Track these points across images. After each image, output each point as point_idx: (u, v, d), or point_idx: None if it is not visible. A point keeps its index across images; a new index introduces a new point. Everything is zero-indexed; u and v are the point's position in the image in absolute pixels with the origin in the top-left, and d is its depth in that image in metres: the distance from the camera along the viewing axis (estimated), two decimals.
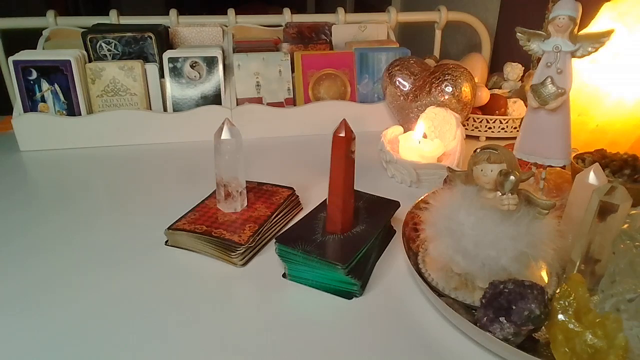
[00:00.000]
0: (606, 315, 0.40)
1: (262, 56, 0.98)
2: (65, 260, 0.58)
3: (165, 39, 1.02)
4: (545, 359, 0.41)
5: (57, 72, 0.89)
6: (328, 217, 0.56)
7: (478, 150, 0.47)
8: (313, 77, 1.01)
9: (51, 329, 0.46)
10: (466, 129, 0.95)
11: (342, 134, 0.52)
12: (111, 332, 0.46)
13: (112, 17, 1.06)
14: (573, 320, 0.41)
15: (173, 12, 1.08)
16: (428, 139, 0.81)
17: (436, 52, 1.26)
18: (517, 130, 0.85)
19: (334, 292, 0.52)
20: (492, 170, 0.45)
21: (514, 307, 0.41)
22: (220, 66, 0.96)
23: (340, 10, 1.13)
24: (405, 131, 0.84)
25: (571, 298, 0.42)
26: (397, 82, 0.93)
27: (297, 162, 0.87)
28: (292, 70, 1.00)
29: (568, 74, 0.58)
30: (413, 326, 0.47)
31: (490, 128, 0.95)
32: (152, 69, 0.95)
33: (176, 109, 0.96)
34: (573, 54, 0.57)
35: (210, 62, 0.95)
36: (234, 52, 1.01)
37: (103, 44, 0.94)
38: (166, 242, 0.61)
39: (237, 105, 0.98)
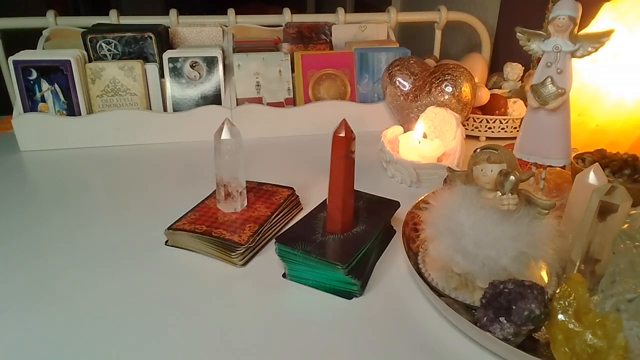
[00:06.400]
0: (606, 315, 0.40)
1: (262, 56, 0.98)
2: (65, 260, 0.58)
3: (165, 39, 1.02)
4: (545, 359, 0.41)
5: (57, 72, 0.89)
6: (328, 217, 0.56)
7: (478, 150, 0.47)
8: (313, 77, 1.01)
9: (51, 329, 0.46)
10: (466, 129, 0.95)
11: (342, 134, 0.52)
12: (111, 332, 0.46)
13: (112, 17, 1.06)
14: (573, 320, 0.41)
15: (173, 12, 1.08)
16: (428, 139, 0.81)
17: (436, 52, 1.26)
18: (517, 130, 0.85)
19: (334, 292, 0.52)
20: (492, 170, 0.45)
21: (514, 307, 0.41)
22: (220, 66, 0.96)
23: (340, 10, 1.13)
24: (405, 131, 0.84)
25: (571, 298, 0.42)
26: (397, 82, 0.93)
27: (297, 162, 0.87)
28: (292, 70, 1.00)
29: (568, 74, 0.58)
30: (413, 326, 0.47)
31: (490, 128, 0.95)
32: (152, 69, 0.95)
33: (176, 109, 0.96)
34: (573, 54, 0.57)
35: (210, 62, 0.95)
36: (234, 52, 1.01)
37: (103, 44, 0.94)
38: (166, 242, 0.61)
39: (237, 105, 0.98)
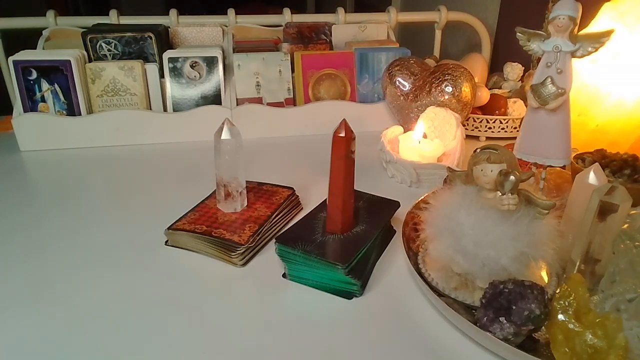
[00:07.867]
0: (606, 315, 0.40)
1: (262, 56, 0.98)
2: (65, 260, 0.58)
3: (165, 39, 1.02)
4: (545, 359, 0.41)
5: (57, 72, 0.89)
6: (328, 217, 0.56)
7: (478, 150, 0.47)
8: (313, 77, 1.01)
9: (51, 329, 0.46)
10: (466, 129, 0.95)
11: (342, 134, 0.52)
12: (111, 332, 0.46)
13: (112, 17, 1.06)
14: (573, 320, 0.41)
15: (173, 12, 1.08)
16: (428, 139, 0.81)
17: (436, 52, 1.26)
18: (517, 130, 0.84)
19: (334, 292, 0.52)
20: (492, 170, 0.45)
21: (514, 307, 0.41)
22: (220, 66, 0.96)
23: (340, 10, 1.13)
24: (405, 131, 0.84)
25: (571, 298, 0.42)
26: (397, 82, 0.93)
27: (297, 162, 0.87)
28: (292, 70, 1.00)
29: (568, 74, 0.57)
30: (413, 326, 0.47)
31: (490, 128, 0.95)
32: (152, 69, 0.95)
33: (176, 109, 0.96)
34: (573, 54, 0.57)
35: (210, 62, 0.95)
36: (234, 52, 1.01)
37: (103, 44, 0.94)
38: (166, 242, 0.61)
39: (237, 105, 0.98)
